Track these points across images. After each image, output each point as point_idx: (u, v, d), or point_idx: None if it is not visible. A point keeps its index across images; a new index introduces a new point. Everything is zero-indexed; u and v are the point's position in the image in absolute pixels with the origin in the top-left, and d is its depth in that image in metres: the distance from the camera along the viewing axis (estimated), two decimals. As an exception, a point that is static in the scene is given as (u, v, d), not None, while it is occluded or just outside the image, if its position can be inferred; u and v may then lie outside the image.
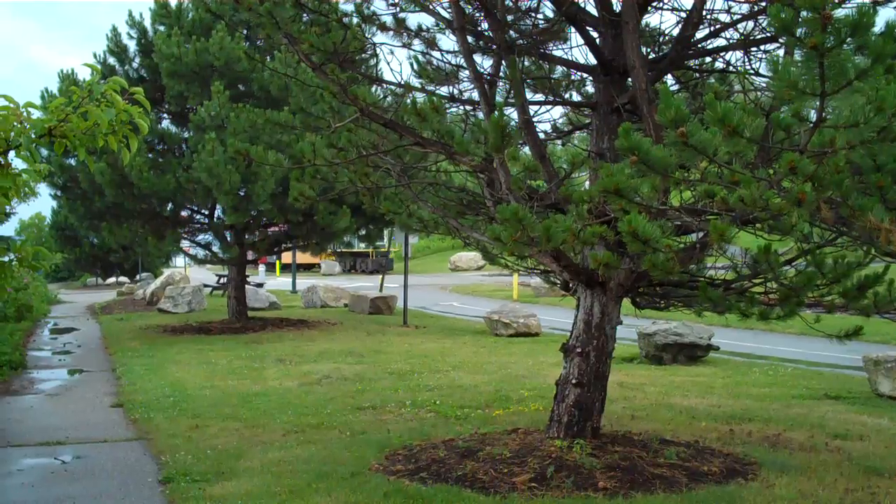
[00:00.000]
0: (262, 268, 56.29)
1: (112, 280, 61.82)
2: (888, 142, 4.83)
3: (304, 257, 57.70)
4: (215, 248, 26.19)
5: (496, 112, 7.23)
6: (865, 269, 7.17)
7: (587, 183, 9.74)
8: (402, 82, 9.32)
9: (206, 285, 37.25)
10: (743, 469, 8.33)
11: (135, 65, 23.95)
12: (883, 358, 13.02)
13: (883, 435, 10.09)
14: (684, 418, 10.94)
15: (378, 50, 9.58)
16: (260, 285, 37.52)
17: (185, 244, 28.37)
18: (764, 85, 8.93)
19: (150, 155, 22.07)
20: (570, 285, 9.23)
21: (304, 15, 8.91)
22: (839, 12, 4.58)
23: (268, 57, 22.06)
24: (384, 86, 10.18)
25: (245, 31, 23.18)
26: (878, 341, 19.45)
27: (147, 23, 23.83)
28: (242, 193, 20.82)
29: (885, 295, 7.16)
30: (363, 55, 10.17)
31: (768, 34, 8.53)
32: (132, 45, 23.96)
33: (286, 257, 56.89)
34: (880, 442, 9.71)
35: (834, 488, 7.63)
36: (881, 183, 5.24)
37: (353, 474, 8.18)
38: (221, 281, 39.57)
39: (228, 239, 24.61)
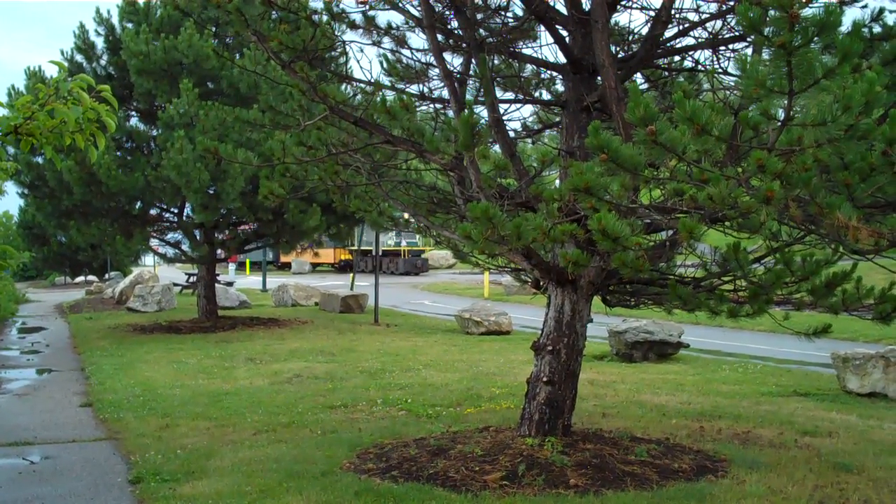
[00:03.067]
0: (231, 266, 56.04)
1: (81, 279, 61.41)
2: (855, 140, 4.86)
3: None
4: (185, 247, 26.08)
5: (466, 110, 7.23)
6: (833, 267, 7.21)
7: (557, 181, 9.76)
8: (372, 80, 9.29)
9: (175, 284, 37.04)
10: (713, 466, 8.36)
11: (103, 62, 23.79)
12: (851, 355, 13.12)
13: (851, 431, 10.16)
14: (655, 415, 10.98)
15: (348, 48, 9.56)
16: (230, 284, 37.39)
17: (154, 243, 28.23)
18: (732, 83, 8.97)
19: (118, 153, 21.98)
20: (541, 283, 9.23)
21: (273, 12, 8.87)
22: (806, 11, 4.60)
23: (237, 54, 21.99)
24: (354, 84, 10.16)
25: (214, 29, 23.09)
26: (847, 338, 19.64)
27: (115, 20, 23.67)
28: (212, 192, 20.71)
29: (853, 292, 7.21)
30: (333, 53, 10.16)
31: (737, 33, 8.58)
32: (100, 43, 23.82)
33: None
34: (849, 438, 9.77)
35: (803, 485, 7.67)
36: (848, 181, 5.28)
37: (324, 473, 8.15)
38: (191, 280, 39.43)
39: (198, 237, 24.51)
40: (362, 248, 62.31)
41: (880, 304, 7.38)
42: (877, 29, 7.33)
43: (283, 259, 69.63)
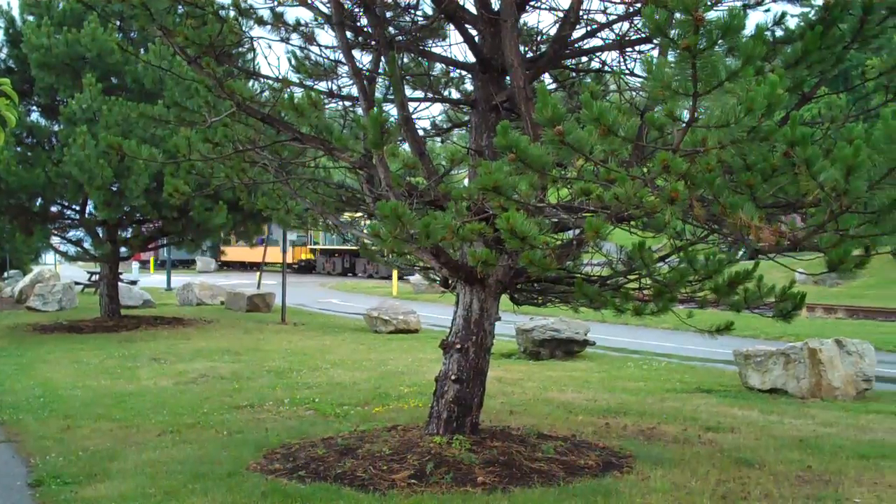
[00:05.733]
0: (135, 265, 55.14)
1: (-22, 277, 59.78)
2: (758, 141, 4.95)
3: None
4: (87, 245, 25.57)
5: (375, 108, 7.20)
6: (736, 266, 7.34)
7: (466, 180, 9.79)
8: (280, 77, 9.21)
9: (77, 283, 36.31)
10: (619, 462, 8.46)
11: (2, 55, 23.23)
12: (753, 352, 13.40)
13: (753, 427, 10.37)
14: (561, 413, 11.08)
15: (255, 44, 9.48)
16: (134, 283, 36.78)
17: (55, 241, 27.65)
18: (638, 85, 9.08)
19: (18, 148, 21.41)
20: (450, 282, 9.25)
21: (180, 7, 8.73)
22: (711, 15, 4.68)
23: (142, 49, 21.65)
24: (261, 80, 10.09)
25: (118, 23, 22.64)
26: (749, 336, 20.07)
27: (16, 12, 23.10)
28: (115, 188, 20.38)
29: (754, 291, 7.36)
30: (240, 49, 10.03)
31: (643, 35, 8.67)
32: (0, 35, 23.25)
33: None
34: (750, 434, 9.97)
35: (706, 479, 7.80)
36: (751, 181, 5.38)
37: (230, 474, 8.04)
38: (93, 278, 38.65)
39: (100, 235, 24.04)
40: (324, 247, 60.42)
41: (781, 302, 7.55)
42: (779, 33, 7.47)
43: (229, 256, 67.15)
